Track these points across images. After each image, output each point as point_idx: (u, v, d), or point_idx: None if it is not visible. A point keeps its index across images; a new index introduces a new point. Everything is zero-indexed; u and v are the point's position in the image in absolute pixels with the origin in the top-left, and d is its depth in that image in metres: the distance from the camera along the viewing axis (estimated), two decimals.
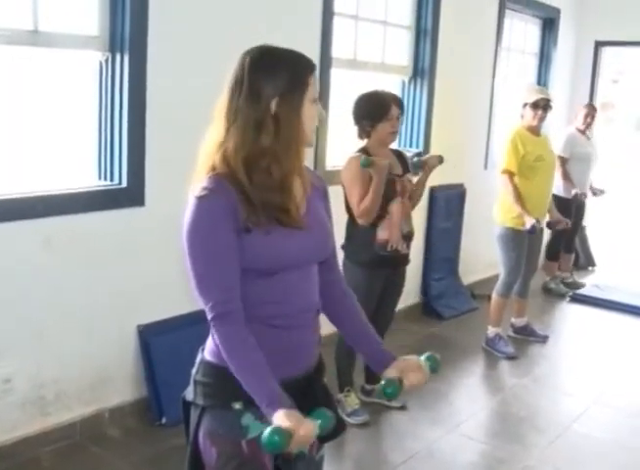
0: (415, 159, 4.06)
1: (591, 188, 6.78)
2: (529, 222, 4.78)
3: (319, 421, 1.64)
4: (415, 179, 4.03)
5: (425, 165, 4.02)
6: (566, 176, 6.42)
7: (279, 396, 1.70)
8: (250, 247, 1.76)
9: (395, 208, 3.76)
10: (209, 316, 1.76)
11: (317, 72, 1.86)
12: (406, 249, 3.89)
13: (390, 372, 1.89)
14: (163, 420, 3.72)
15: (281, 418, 1.63)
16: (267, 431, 1.58)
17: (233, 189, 1.75)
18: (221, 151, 1.78)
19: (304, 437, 1.62)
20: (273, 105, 1.76)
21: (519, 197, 4.84)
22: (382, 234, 3.76)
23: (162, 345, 3.78)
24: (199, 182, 1.78)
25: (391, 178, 3.76)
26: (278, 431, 1.58)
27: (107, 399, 3.70)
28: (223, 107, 1.80)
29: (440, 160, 4.06)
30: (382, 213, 3.74)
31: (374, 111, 3.76)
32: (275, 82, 1.76)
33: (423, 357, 1.92)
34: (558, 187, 6.30)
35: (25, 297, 3.31)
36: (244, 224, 1.74)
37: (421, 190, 4.06)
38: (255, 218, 1.75)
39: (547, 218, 5.22)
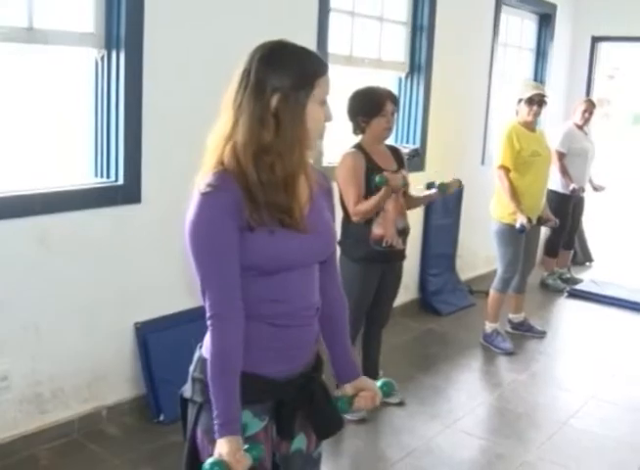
0: (438, 183, 4.05)
1: (591, 184, 6.78)
2: (520, 221, 4.78)
3: (253, 453, 1.77)
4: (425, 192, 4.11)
5: (448, 190, 4.03)
6: (564, 171, 6.41)
7: (234, 421, 1.75)
8: (253, 246, 1.75)
9: (390, 204, 3.77)
10: (207, 314, 1.76)
11: (329, 75, 1.82)
12: (402, 244, 3.89)
13: (348, 388, 2.00)
14: (161, 417, 3.72)
15: (223, 447, 1.71)
16: (208, 462, 1.72)
17: (238, 186, 1.73)
18: (230, 144, 1.76)
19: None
20: (274, 101, 1.74)
21: (514, 193, 4.85)
22: (377, 230, 3.76)
23: (160, 342, 3.78)
24: (204, 177, 1.76)
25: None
26: (218, 463, 1.71)
27: (104, 397, 3.70)
28: (230, 99, 1.78)
29: (460, 184, 4.10)
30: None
31: (369, 106, 3.76)
32: (279, 79, 1.73)
33: (379, 383, 2.04)
34: (556, 183, 6.32)
35: (22, 294, 3.31)
36: (247, 222, 1.73)
37: (424, 202, 4.15)
38: (258, 217, 1.74)
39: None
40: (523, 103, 4.93)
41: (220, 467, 1.70)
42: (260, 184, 1.74)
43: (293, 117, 1.75)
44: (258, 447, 1.80)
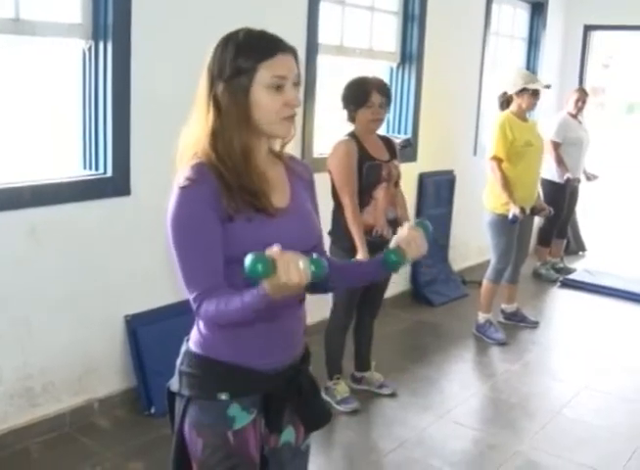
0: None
1: (585, 173, 6.78)
2: (512, 211, 4.77)
3: (313, 267, 1.50)
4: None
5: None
6: (559, 161, 6.40)
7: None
8: (234, 236, 1.74)
9: (380, 193, 3.75)
10: (194, 306, 1.74)
11: (283, 57, 1.74)
12: (392, 234, 3.87)
13: (391, 245, 1.98)
14: (152, 410, 3.71)
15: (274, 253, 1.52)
16: (250, 256, 1.47)
17: (214, 177, 1.73)
18: (202, 138, 1.77)
19: (292, 273, 1.49)
20: (219, 90, 1.75)
21: (507, 184, 4.83)
22: (367, 219, 3.75)
23: (150, 334, 3.77)
24: (182, 171, 1.76)
25: (378, 164, 3.75)
26: (262, 260, 1.44)
27: (95, 390, 3.68)
28: (198, 93, 1.80)
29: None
30: (367, 199, 3.73)
31: (355, 96, 3.76)
32: (222, 68, 1.74)
33: (414, 225, 2.00)
34: (551, 172, 6.32)
35: (10, 287, 3.29)
36: (226, 212, 1.72)
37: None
38: (235, 204, 1.73)
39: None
40: (527, 94, 4.89)
41: (265, 266, 1.44)
42: (227, 171, 1.74)
43: (233, 104, 1.74)
44: (320, 264, 1.52)
